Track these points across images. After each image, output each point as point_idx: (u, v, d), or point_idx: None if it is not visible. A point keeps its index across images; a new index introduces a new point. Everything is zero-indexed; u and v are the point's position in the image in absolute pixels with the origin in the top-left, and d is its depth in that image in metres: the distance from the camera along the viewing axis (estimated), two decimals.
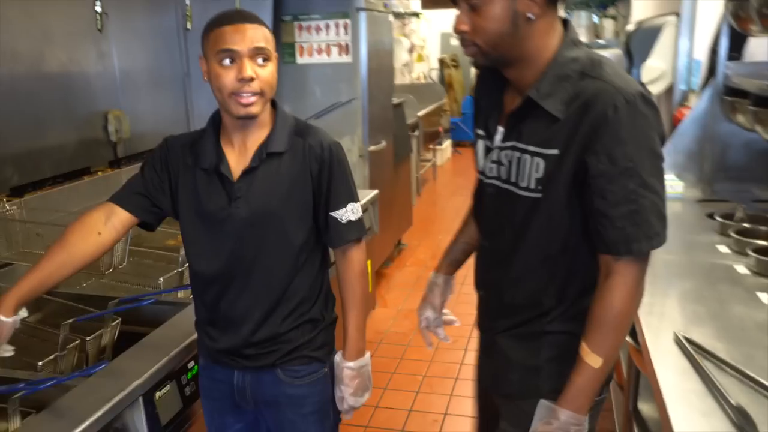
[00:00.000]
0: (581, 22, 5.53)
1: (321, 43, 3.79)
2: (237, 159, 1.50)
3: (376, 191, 3.31)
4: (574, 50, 1.25)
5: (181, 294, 2.03)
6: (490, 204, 1.41)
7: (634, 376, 2.05)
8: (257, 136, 1.50)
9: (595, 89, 1.19)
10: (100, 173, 2.75)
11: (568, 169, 1.22)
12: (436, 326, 1.68)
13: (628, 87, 1.18)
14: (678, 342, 1.53)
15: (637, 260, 1.21)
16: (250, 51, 1.38)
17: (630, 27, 3.71)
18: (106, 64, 3.06)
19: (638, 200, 1.17)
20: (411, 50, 9.06)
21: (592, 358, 1.23)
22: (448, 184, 7.81)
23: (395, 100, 4.79)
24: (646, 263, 1.23)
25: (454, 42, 10.39)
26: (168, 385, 1.68)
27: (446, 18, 9.45)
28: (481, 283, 1.49)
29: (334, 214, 1.53)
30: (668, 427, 1.24)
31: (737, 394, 1.29)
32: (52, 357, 1.64)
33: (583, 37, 5.34)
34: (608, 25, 5.49)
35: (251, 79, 1.38)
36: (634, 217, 1.18)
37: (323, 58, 3.82)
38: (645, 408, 2.09)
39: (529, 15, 1.20)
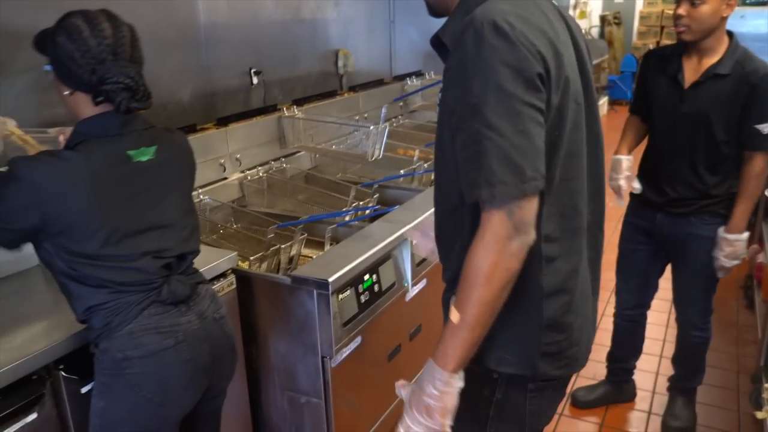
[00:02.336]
0: None
1: None
2: None
3: None
4: None
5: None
6: None
7: None
8: None
9: (467, 19, 1.10)
10: (345, 95, 3.50)
11: (442, 108, 1.17)
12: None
13: (482, 16, 1.06)
14: None
15: (494, 212, 1.06)
16: None
17: None
18: (339, 11, 3.79)
19: (481, 142, 1.04)
20: (575, 6, 9.25)
21: (453, 314, 1.12)
22: (605, 137, 8.04)
23: None
24: (506, 215, 1.06)
25: None
26: None
27: None
28: None
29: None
30: None
31: None
32: (348, 209, 2.39)
33: None
34: None
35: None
36: (477, 160, 1.05)
37: None
38: None
39: None
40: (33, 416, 1.41)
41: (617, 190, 2.38)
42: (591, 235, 1.31)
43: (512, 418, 1.31)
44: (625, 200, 2.38)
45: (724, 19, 2.08)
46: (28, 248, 1.40)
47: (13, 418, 1.36)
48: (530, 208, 1.08)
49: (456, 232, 1.23)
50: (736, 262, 2.24)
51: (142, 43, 1.46)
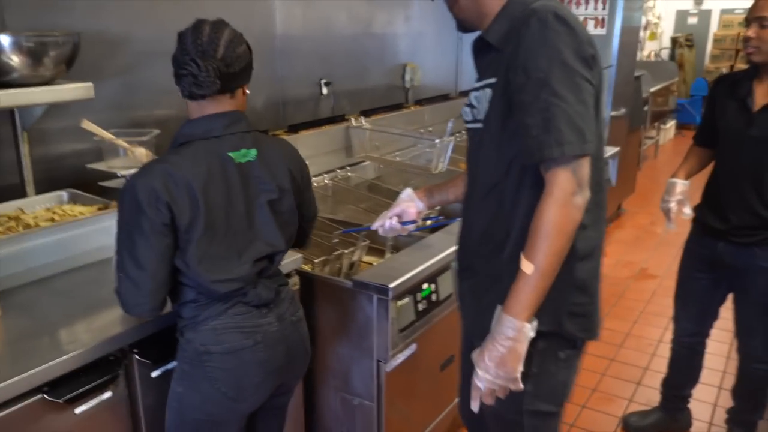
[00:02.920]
0: None
1: (579, 17, 4.30)
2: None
3: (618, 148, 3.83)
4: None
5: None
6: (469, 146, 1.51)
7: None
8: None
9: (520, 17, 1.30)
10: (412, 108, 3.56)
11: (500, 92, 1.33)
12: (391, 228, 1.85)
13: (543, 8, 1.27)
14: None
15: (560, 170, 1.24)
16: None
17: None
18: (409, 25, 3.87)
19: (549, 108, 1.22)
20: (645, 27, 9.10)
21: (525, 265, 1.26)
22: (669, 162, 7.88)
23: (636, 73, 5.18)
24: (571, 173, 1.24)
25: (691, 20, 10.17)
26: None
27: None
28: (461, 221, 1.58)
29: None
30: None
31: None
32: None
33: None
34: None
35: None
36: (546, 124, 1.22)
37: None
38: None
39: None
40: (108, 394, 1.51)
41: (667, 213, 2.33)
42: None
43: (546, 391, 1.42)
44: (675, 224, 2.33)
45: None
46: (107, 239, 1.48)
47: (91, 394, 1.47)
48: (587, 167, 1.27)
49: (499, 208, 1.38)
50: None
51: None
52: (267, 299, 1.54)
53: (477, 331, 1.51)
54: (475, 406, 1.36)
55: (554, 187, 1.24)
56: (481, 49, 1.44)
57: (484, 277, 1.45)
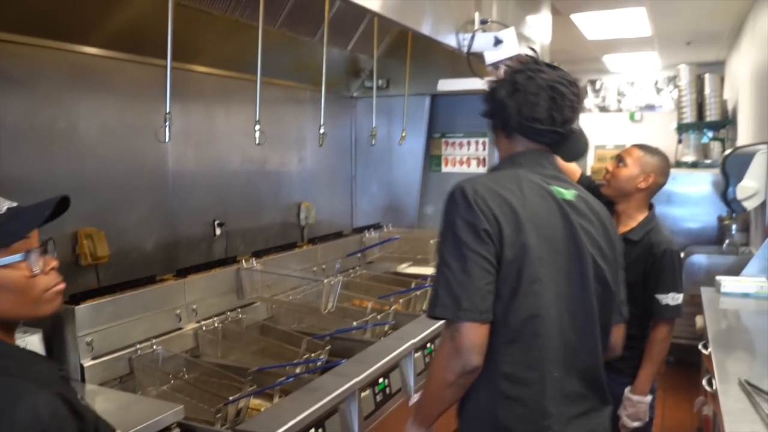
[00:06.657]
0: (690, 143, 6.12)
1: (462, 156, 4.64)
2: None
3: None
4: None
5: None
6: None
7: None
8: None
9: None
10: (305, 247, 3.63)
11: None
12: None
13: (461, 183, 1.46)
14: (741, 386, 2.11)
15: (444, 332, 1.43)
16: None
17: (726, 152, 4.32)
18: (303, 165, 4.04)
19: (437, 273, 1.42)
20: None
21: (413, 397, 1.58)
22: None
23: None
24: (449, 338, 1.39)
25: None
26: (368, 390, 2.43)
27: None
28: None
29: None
30: None
31: None
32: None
33: (692, 157, 5.94)
34: (716, 146, 6.05)
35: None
36: (434, 286, 1.42)
37: (463, 168, 4.65)
38: None
39: None
40: None
41: None
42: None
43: None
44: None
45: (640, 191, 2.29)
46: None
47: None
48: (468, 335, 1.36)
49: None
50: (637, 424, 2.28)
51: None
52: None
53: None
54: None
55: (440, 344, 1.44)
56: None
57: None
